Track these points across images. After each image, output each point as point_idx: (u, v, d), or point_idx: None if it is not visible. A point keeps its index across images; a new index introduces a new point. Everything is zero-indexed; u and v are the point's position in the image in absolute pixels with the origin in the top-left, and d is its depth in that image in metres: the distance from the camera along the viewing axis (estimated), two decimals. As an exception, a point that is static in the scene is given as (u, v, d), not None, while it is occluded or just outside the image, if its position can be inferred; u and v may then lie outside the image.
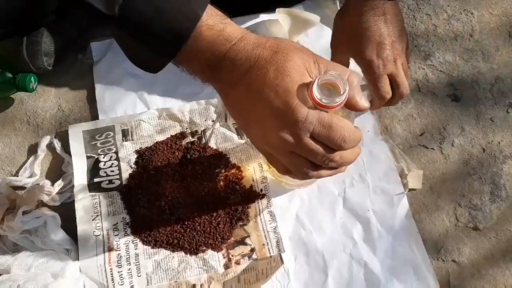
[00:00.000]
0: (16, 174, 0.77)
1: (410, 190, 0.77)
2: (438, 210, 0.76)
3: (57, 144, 0.79)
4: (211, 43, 0.48)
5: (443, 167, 0.79)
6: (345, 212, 0.75)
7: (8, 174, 0.78)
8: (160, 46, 0.49)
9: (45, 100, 0.84)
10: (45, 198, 0.73)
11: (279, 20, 0.87)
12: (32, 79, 0.80)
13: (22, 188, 0.75)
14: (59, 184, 0.75)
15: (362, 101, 0.50)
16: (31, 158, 0.78)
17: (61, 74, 0.86)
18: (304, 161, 0.50)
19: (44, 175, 0.78)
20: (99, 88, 0.84)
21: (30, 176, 0.76)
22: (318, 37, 0.89)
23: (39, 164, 0.78)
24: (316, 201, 0.75)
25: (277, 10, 0.86)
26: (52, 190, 0.73)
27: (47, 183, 0.75)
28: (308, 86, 0.47)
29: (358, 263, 0.71)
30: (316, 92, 0.46)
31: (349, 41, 0.70)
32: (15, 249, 0.71)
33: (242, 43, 0.49)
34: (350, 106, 0.50)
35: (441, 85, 0.86)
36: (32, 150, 0.80)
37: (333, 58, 0.74)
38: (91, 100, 0.84)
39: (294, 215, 0.74)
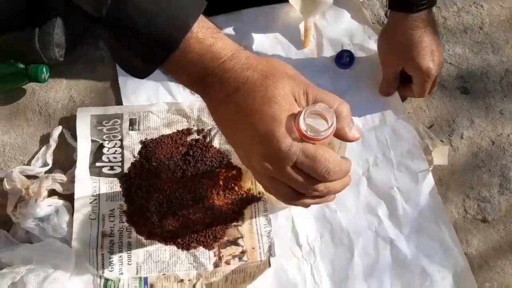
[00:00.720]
0: (29, 164, 0.78)
1: (436, 166, 0.77)
2: (447, 202, 0.76)
3: (67, 134, 0.80)
4: (201, 57, 0.47)
5: (452, 159, 0.79)
6: (369, 191, 0.75)
7: (21, 163, 0.79)
8: (146, 53, 0.47)
9: (57, 91, 0.85)
10: (57, 187, 0.74)
11: (290, 2, 0.87)
12: (44, 69, 0.81)
13: (34, 177, 0.76)
14: (71, 173, 0.76)
15: (353, 131, 0.50)
16: (43, 148, 0.79)
17: (72, 65, 0.86)
18: (287, 188, 0.49)
19: (56, 165, 0.78)
20: (121, 78, 0.84)
21: (43, 166, 0.77)
22: (336, 19, 0.90)
23: (51, 153, 0.78)
24: None
25: None
26: (64, 179, 0.74)
27: (59, 172, 0.76)
28: (295, 116, 0.46)
29: (384, 240, 0.71)
30: (302, 124, 0.46)
31: (404, 55, 0.77)
32: (27, 237, 0.72)
33: (231, 62, 0.47)
34: (339, 137, 0.50)
35: (451, 78, 0.86)
36: (44, 140, 0.81)
37: (387, 71, 0.81)
38: (102, 91, 0.85)
39: None
